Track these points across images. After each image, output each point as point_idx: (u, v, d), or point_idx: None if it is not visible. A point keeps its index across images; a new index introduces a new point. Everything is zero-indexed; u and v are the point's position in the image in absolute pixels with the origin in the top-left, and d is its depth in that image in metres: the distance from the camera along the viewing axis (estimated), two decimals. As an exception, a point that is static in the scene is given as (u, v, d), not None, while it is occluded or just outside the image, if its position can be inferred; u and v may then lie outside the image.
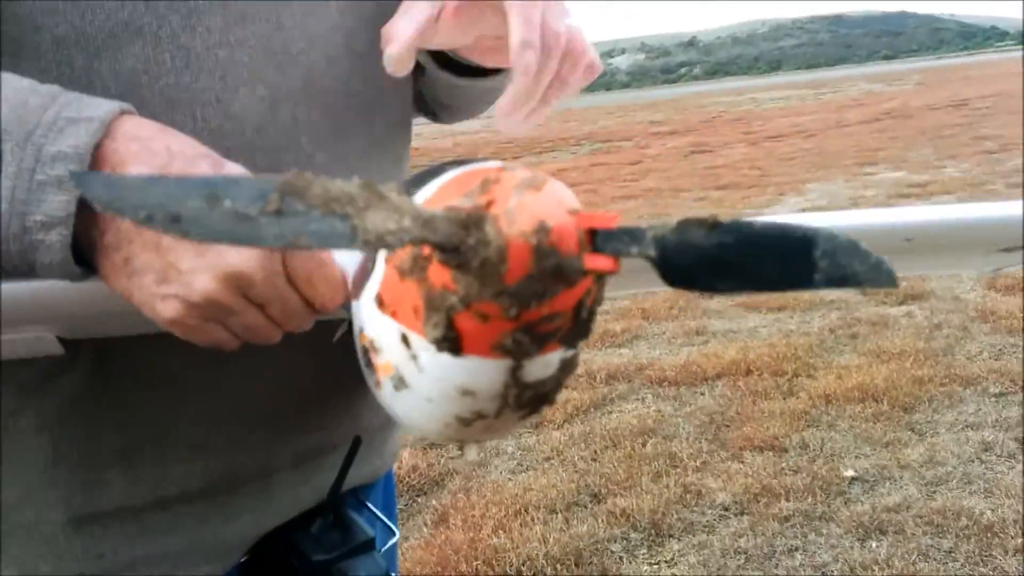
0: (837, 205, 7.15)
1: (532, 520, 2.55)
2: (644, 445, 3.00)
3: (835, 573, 2.22)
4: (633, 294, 4.97)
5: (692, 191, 9.10)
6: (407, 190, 0.44)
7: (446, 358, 0.36)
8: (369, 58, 0.68)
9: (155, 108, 0.57)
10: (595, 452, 2.97)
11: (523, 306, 0.33)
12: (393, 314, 0.40)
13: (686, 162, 12.14)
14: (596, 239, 0.33)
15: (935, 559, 2.23)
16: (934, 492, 2.55)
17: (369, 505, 0.80)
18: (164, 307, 0.50)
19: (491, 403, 0.38)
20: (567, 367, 0.39)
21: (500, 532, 2.49)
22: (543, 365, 0.37)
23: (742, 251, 0.30)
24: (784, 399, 3.28)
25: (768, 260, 0.30)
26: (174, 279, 0.49)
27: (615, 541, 2.44)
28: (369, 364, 0.44)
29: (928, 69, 41.90)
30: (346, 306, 0.51)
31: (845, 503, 2.53)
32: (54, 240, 0.48)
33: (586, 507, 2.64)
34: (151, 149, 0.50)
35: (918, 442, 2.86)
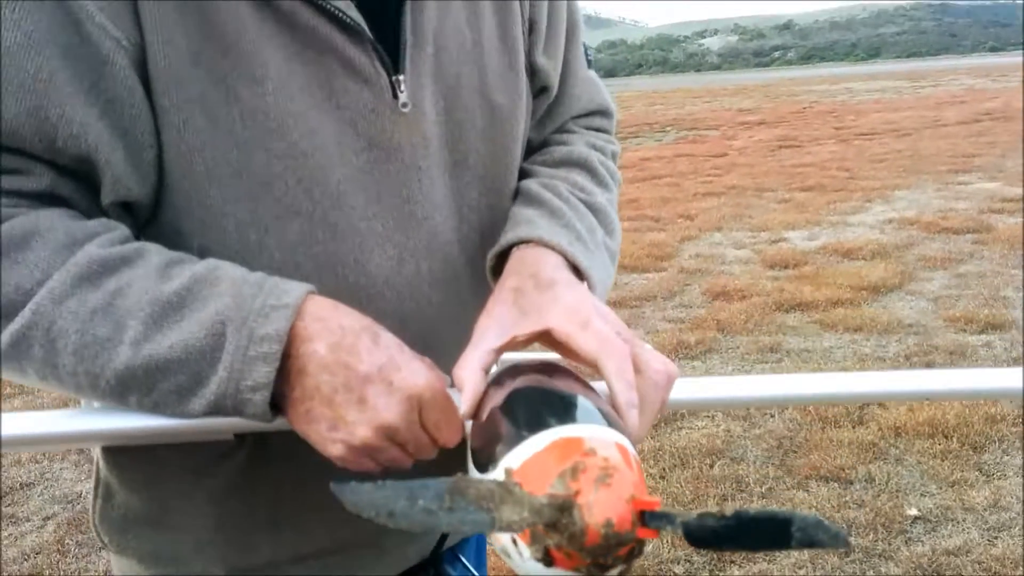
0: (925, 219, 7.03)
1: (599, 535, 2.66)
2: (712, 466, 3.09)
3: (890, 613, 2.30)
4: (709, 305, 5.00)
5: (777, 191, 9.02)
6: (520, 431, 0.57)
7: (540, 565, 0.52)
8: (476, 208, 0.83)
9: (307, 270, 0.73)
10: (663, 470, 3.07)
11: (594, 558, 0.49)
12: None
13: (773, 158, 11.99)
14: (645, 517, 0.49)
15: (990, 607, 2.29)
16: (996, 538, 2.59)
17: (463, 559, 0.96)
18: (333, 448, 0.66)
19: None
20: (625, 571, 0.55)
21: (569, 545, 2.61)
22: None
23: (741, 529, 0.47)
24: (853, 428, 3.32)
25: (759, 534, 0.46)
26: (342, 428, 0.65)
27: (678, 563, 2.55)
28: None
29: (1036, 64, 40.09)
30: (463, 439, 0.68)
31: (906, 542, 2.59)
32: (258, 400, 0.64)
33: (652, 526, 2.74)
34: (329, 328, 0.65)
35: (984, 484, 2.89)
